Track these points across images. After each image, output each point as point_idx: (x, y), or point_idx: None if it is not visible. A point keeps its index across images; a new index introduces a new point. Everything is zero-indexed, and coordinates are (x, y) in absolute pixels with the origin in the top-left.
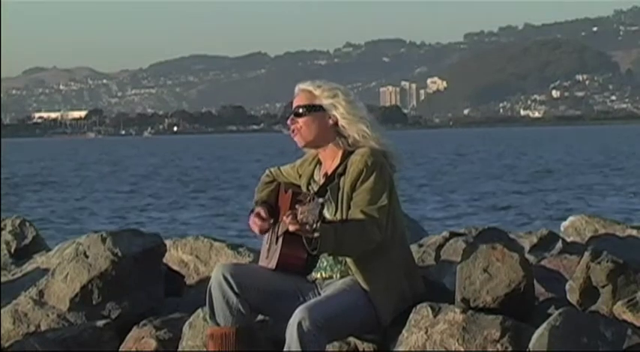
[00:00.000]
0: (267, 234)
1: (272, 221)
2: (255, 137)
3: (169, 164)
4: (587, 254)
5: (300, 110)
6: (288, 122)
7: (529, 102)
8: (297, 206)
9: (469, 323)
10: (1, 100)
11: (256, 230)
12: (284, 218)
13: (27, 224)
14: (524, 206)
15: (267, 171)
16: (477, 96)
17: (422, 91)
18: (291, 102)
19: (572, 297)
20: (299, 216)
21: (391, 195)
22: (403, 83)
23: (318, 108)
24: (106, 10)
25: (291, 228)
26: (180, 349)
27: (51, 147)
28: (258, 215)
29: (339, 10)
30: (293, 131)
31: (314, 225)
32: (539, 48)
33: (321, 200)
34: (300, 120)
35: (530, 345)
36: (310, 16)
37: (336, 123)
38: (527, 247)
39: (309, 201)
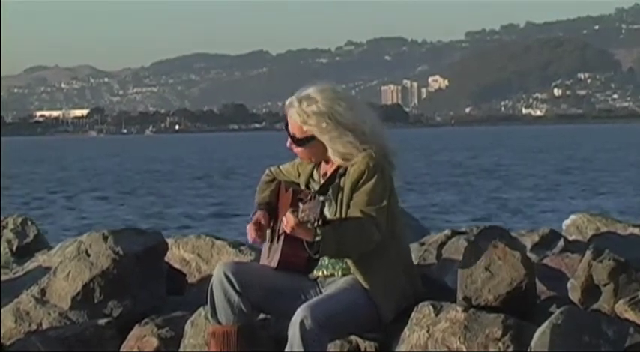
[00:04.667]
0: (268, 233)
1: (272, 222)
2: (257, 136)
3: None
4: (588, 252)
5: (296, 140)
6: (288, 144)
7: (531, 100)
8: (299, 204)
9: (471, 322)
10: (3, 99)
11: (250, 240)
12: (284, 218)
13: (29, 222)
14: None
15: (267, 171)
16: (478, 95)
17: (423, 90)
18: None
19: (574, 296)
20: (300, 215)
21: (390, 195)
22: (405, 81)
23: (311, 139)
24: (108, 8)
25: (288, 230)
26: (181, 347)
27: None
28: (257, 224)
29: (340, 9)
30: (295, 152)
31: (315, 224)
32: (540, 46)
33: (321, 198)
34: (298, 150)
35: (532, 344)
36: (312, 15)
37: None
38: (528, 245)
39: (310, 199)
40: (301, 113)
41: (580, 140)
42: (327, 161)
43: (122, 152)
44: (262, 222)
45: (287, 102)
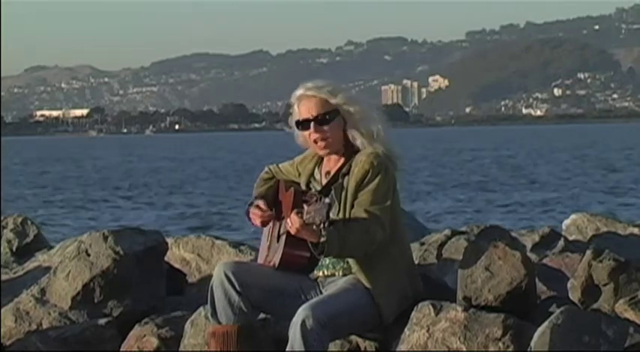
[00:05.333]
0: (266, 232)
1: (271, 221)
2: (257, 135)
3: None
4: (588, 252)
5: (323, 118)
6: (311, 131)
7: (531, 100)
8: (304, 205)
9: (471, 322)
10: (3, 98)
11: (257, 222)
12: (289, 218)
13: (29, 222)
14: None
15: (265, 168)
16: (478, 95)
17: (424, 90)
18: (288, 104)
19: (574, 295)
20: (305, 216)
21: (393, 195)
22: (405, 81)
23: (337, 114)
24: (108, 8)
25: (293, 231)
26: (181, 347)
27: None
28: (258, 207)
29: (340, 8)
30: (316, 140)
31: (321, 226)
32: (540, 46)
33: (327, 200)
34: (327, 129)
35: (532, 344)
36: (312, 15)
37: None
38: (528, 245)
39: (316, 201)
40: (324, 92)
41: (595, 139)
42: (337, 152)
43: (131, 152)
44: (262, 206)
45: (301, 91)
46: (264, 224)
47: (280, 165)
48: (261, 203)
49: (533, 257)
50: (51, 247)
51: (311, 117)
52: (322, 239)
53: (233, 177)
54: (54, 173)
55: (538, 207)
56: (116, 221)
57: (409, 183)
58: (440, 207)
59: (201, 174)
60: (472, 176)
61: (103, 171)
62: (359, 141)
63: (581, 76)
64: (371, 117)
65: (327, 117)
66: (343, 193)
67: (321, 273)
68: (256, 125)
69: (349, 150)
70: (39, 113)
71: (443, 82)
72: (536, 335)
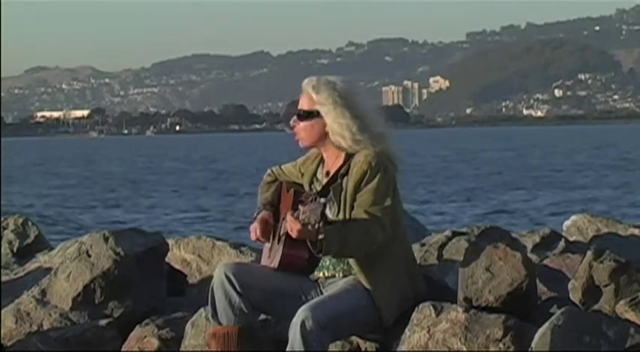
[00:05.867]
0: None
1: (273, 222)
2: (258, 136)
3: None
4: (589, 253)
5: (301, 114)
6: (292, 122)
7: (532, 101)
8: (299, 206)
9: (471, 323)
10: (4, 99)
11: (252, 238)
12: (286, 220)
13: (29, 223)
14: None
15: (268, 171)
16: (479, 96)
17: (424, 90)
18: (298, 99)
19: (575, 296)
20: (300, 217)
21: (393, 195)
22: (405, 82)
23: (316, 114)
24: (108, 8)
25: (294, 234)
26: (182, 348)
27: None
28: (264, 223)
29: (341, 9)
30: (295, 132)
31: (316, 225)
32: (541, 47)
33: (322, 200)
34: (301, 124)
35: (533, 344)
36: (313, 15)
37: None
38: (529, 246)
39: (311, 201)
40: (316, 85)
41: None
42: (326, 147)
43: (137, 152)
44: (269, 221)
45: (303, 83)
46: (259, 240)
47: (283, 167)
48: (268, 219)
49: (533, 258)
50: (52, 248)
51: (296, 111)
52: (320, 236)
53: (245, 178)
54: (68, 174)
55: (553, 207)
56: (137, 222)
57: (424, 184)
58: (454, 208)
59: (214, 175)
60: (486, 178)
61: (121, 171)
62: (337, 143)
63: (581, 76)
64: (344, 122)
65: (307, 115)
66: (342, 194)
67: (321, 274)
68: (257, 126)
69: (347, 151)
70: (39, 114)
71: (443, 83)
72: (536, 336)
